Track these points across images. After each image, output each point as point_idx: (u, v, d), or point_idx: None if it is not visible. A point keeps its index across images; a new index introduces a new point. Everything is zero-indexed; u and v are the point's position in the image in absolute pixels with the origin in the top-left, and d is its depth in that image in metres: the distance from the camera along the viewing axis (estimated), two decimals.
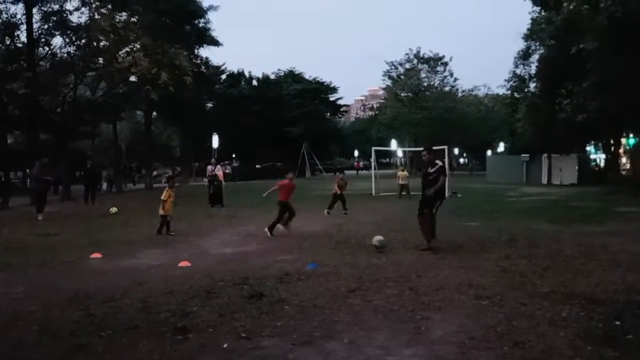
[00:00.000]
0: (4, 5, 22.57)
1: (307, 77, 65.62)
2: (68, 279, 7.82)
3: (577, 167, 36.75)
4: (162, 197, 12.80)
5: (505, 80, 39.11)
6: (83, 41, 24.04)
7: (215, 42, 41.34)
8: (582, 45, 19.09)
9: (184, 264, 8.72)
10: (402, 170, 24.29)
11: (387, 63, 64.23)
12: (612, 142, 42.59)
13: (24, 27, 23.21)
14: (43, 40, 23.73)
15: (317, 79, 65.42)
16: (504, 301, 6.12)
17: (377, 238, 9.85)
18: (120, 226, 14.34)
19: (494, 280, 7.16)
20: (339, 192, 16.80)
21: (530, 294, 6.39)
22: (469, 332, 5.11)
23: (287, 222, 12.40)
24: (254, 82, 63.64)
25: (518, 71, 37.19)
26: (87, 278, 7.83)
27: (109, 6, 24.42)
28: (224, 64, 58.15)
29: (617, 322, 5.26)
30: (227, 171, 46.18)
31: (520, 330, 5.10)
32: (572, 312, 5.63)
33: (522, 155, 40.12)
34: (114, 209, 17.73)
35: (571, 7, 19.25)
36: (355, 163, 79.14)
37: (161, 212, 12.68)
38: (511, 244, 10.10)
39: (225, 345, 4.88)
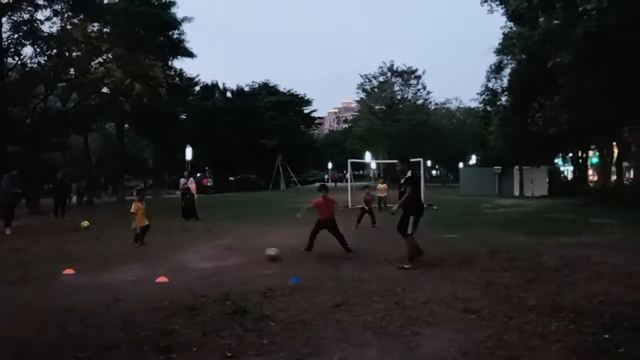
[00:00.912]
0: None
1: (281, 89, 65.64)
2: (42, 296, 7.49)
3: (547, 179, 37.46)
4: (131, 210, 12.77)
5: (478, 93, 39.77)
6: (54, 51, 23.54)
7: (189, 54, 41.07)
8: (558, 59, 19.43)
9: (161, 279, 8.44)
10: (382, 183, 24.56)
11: (361, 76, 64.85)
12: (581, 154, 43.62)
13: None
14: (12, 50, 23.16)
15: (291, 91, 65.48)
16: (492, 315, 6.06)
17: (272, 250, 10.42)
18: (93, 240, 13.93)
19: (480, 293, 7.12)
20: (367, 207, 16.37)
21: (517, 308, 6.35)
22: (460, 347, 5.02)
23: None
24: (228, 94, 63.34)
25: (490, 85, 37.85)
26: (61, 295, 7.52)
27: (81, 16, 23.99)
28: (197, 75, 57.82)
29: (607, 336, 5.24)
30: (209, 184, 45.87)
31: (511, 345, 5.03)
32: (561, 326, 5.59)
33: (495, 167, 40.71)
34: (85, 223, 17.23)
35: (547, 22, 19.61)
36: (327, 175, 79.08)
37: (134, 225, 12.67)
38: (493, 256, 10.10)
39: None
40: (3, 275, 8.94)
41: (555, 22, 20.23)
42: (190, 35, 72.64)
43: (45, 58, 23.93)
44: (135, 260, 10.58)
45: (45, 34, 23.26)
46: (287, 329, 5.72)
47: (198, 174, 50.29)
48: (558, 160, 52.24)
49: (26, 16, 23.24)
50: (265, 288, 7.56)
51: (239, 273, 9.02)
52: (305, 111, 68.19)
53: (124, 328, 5.80)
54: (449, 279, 8.08)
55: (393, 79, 64.65)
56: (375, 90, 64.63)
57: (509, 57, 34.84)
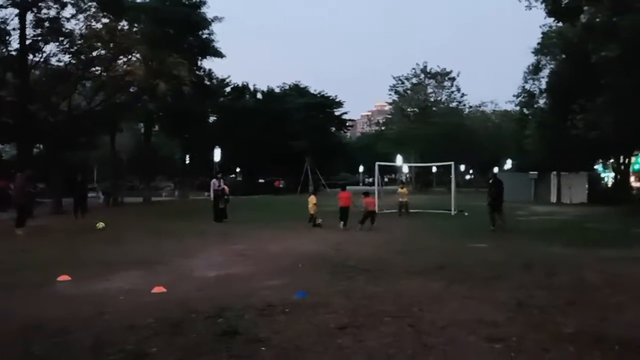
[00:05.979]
0: None
1: (312, 91, 64.90)
2: (24, 306, 6.86)
3: (587, 186, 35.73)
4: (313, 202, 17.93)
5: (514, 95, 38.38)
6: (78, 48, 23.20)
7: (218, 54, 40.55)
8: (603, 53, 17.94)
9: (158, 289, 7.73)
10: (402, 188, 23.45)
11: (393, 78, 63.66)
12: (623, 160, 41.56)
13: (16, 32, 22.41)
14: (36, 47, 22.89)
15: (322, 93, 64.69)
16: (521, 344, 5.15)
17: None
18: (103, 243, 13.37)
19: (509, 316, 6.17)
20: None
21: (553, 336, 5.40)
22: None
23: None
24: (259, 95, 62.94)
25: (527, 86, 36.44)
26: (45, 306, 6.88)
27: (107, 14, 23.64)
28: (228, 76, 57.57)
29: None
30: (281, 186, 46.58)
31: None
32: None
33: (530, 172, 39.15)
34: (100, 224, 16.78)
35: (590, 13, 18.22)
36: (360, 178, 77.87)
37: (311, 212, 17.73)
38: (526, 271, 9.09)
39: None
40: None
41: (599, 16, 18.85)
42: (222, 35, 72.58)
43: (70, 56, 23.61)
44: (138, 266, 9.92)
45: (68, 31, 22.88)
46: (279, 356, 4.93)
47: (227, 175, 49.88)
48: (598, 166, 50.04)
49: (52, 13, 22.97)
50: (265, 304, 6.75)
51: (242, 284, 8.24)
52: (337, 113, 67.26)
53: (95, 349, 5.09)
54: (474, 297, 7.15)
55: (426, 81, 63.36)
56: (408, 92, 63.43)
57: (547, 57, 33.40)
